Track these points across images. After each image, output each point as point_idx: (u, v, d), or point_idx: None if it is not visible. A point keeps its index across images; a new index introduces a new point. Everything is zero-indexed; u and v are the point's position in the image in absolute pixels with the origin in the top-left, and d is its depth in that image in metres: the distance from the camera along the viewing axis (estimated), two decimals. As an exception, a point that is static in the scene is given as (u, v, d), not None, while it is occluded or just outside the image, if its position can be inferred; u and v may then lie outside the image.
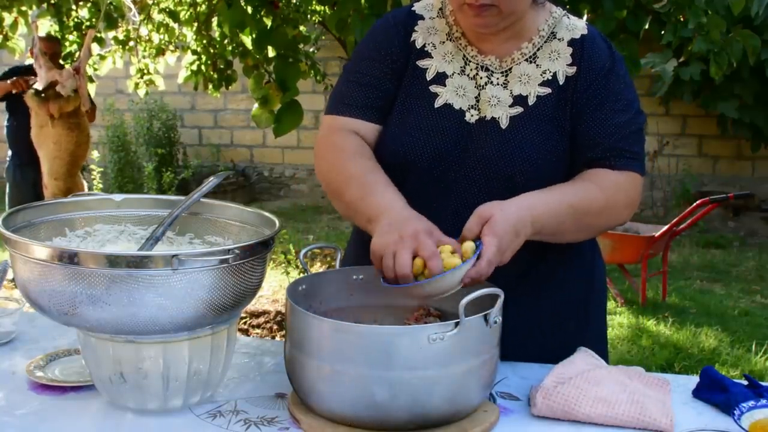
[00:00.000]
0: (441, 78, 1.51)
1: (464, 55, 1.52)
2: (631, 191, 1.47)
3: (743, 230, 7.82)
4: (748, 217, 7.93)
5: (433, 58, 1.52)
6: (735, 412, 1.21)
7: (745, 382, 1.36)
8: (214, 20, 5.15)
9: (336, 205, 1.49)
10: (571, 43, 1.50)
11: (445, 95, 1.50)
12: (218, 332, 1.30)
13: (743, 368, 4.17)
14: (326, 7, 4.78)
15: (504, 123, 1.48)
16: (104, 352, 1.26)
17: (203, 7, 5.34)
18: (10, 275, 1.57)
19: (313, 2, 4.76)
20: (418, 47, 1.53)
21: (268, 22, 3.97)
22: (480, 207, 1.30)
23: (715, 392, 1.35)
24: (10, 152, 5.70)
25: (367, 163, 1.45)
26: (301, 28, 5.12)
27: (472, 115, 1.49)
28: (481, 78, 1.50)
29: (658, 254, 5.56)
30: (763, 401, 1.23)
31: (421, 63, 1.52)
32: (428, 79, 1.52)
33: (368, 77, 1.53)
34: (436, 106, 1.50)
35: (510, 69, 1.50)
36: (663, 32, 3.50)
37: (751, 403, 1.23)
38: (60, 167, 4.96)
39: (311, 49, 6.39)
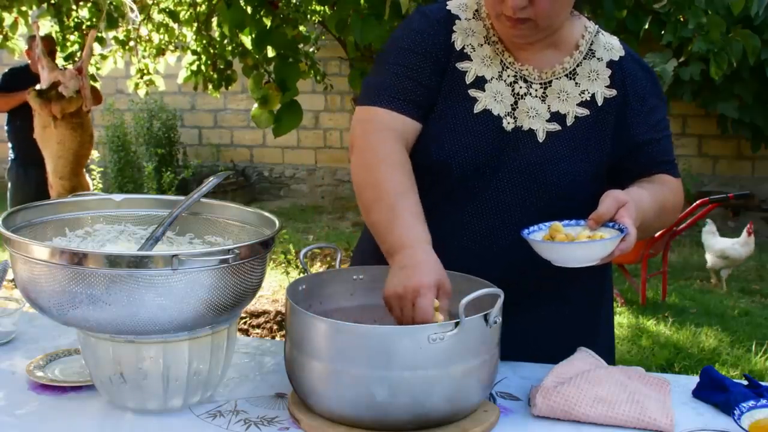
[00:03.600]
0: (480, 82, 1.50)
1: (501, 60, 1.51)
2: (682, 195, 1.59)
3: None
4: (748, 217, 7.91)
5: (472, 60, 1.50)
6: (735, 412, 1.21)
7: (745, 382, 1.36)
8: (214, 20, 5.15)
9: (362, 213, 1.44)
10: (610, 64, 1.52)
11: (484, 100, 1.49)
12: (218, 332, 1.30)
13: (743, 368, 4.17)
14: (326, 7, 4.77)
15: (541, 136, 1.48)
16: (104, 352, 1.26)
17: (203, 7, 5.33)
18: (10, 275, 1.57)
19: (313, 2, 4.75)
20: (457, 49, 1.51)
21: (268, 22, 3.96)
22: (613, 191, 1.36)
23: (715, 392, 1.35)
24: (12, 152, 5.70)
25: (402, 180, 1.38)
26: (301, 28, 5.11)
27: (508, 123, 1.49)
28: (520, 87, 1.50)
29: (658, 254, 5.57)
30: (763, 401, 1.23)
31: (461, 65, 1.50)
32: (467, 83, 1.50)
33: (412, 71, 1.48)
34: (475, 111, 1.49)
35: (550, 82, 1.50)
36: (663, 32, 3.49)
37: (751, 403, 1.23)
38: (64, 167, 4.95)
39: (311, 49, 6.39)
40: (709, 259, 5.82)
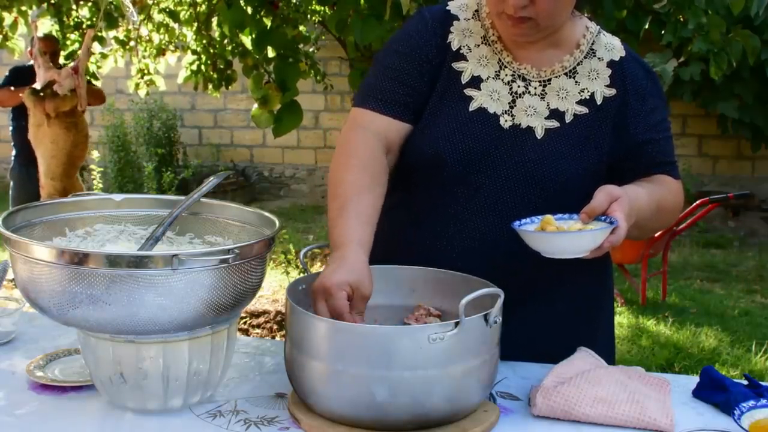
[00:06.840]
0: (476, 81, 1.51)
1: (499, 59, 1.52)
2: (681, 196, 1.59)
3: (743, 230, 7.81)
4: (748, 217, 7.92)
5: (468, 61, 1.52)
6: (735, 412, 1.21)
7: (745, 382, 1.36)
8: (214, 20, 5.15)
9: None
10: (610, 64, 1.53)
11: (480, 99, 1.50)
12: (218, 332, 1.30)
13: (743, 368, 4.17)
14: (326, 7, 4.78)
15: (539, 133, 1.49)
16: (104, 352, 1.26)
17: (203, 7, 5.34)
18: (10, 275, 1.57)
19: (313, 2, 4.76)
20: (453, 49, 1.52)
21: (268, 23, 3.97)
22: (607, 186, 1.36)
23: (715, 392, 1.35)
24: (14, 152, 5.70)
25: (360, 179, 1.43)
26: (301, 28, 5.12)
27: (506, 120, 1.50)
28: (518, 86, 1.51)
29: (658, 254, 5.56)
30: (763, 401, 1.23)
31: (457, 65, 1.52)
32: (463, 83, 1.51)
33: (400, 73, 1.52)
34: (470, 109, 1.50)
35: (549, 80, 1.51)
36: (663, 32, 3.50)
37: (751, 403, 1.23)
38: (57, 167, 4.92)
39: (311, 49, 6.39)
40: None
